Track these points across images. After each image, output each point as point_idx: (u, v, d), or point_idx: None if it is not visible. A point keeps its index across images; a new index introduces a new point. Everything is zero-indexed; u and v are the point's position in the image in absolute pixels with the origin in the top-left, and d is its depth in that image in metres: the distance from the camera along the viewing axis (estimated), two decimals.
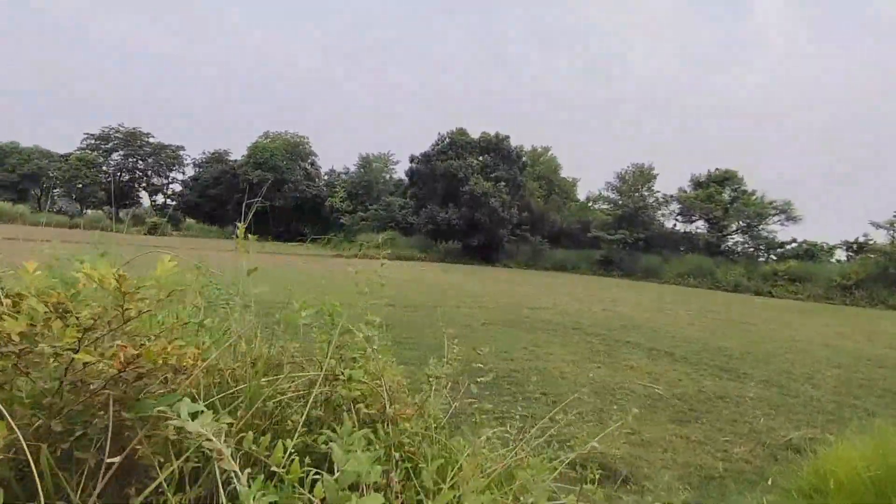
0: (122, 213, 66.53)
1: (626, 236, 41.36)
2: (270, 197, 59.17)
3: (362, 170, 64.25)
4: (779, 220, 40.75)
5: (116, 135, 64.99)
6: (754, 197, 42.27)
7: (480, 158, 41.77)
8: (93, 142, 64.96)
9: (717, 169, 44.85)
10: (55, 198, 66.82)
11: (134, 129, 65.67)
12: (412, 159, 44.88)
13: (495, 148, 42.93)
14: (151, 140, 66.60)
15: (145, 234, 46.21)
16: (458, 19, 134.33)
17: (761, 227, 41.07)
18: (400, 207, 50.08)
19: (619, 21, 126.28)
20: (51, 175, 61.95)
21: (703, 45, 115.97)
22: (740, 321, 15.62)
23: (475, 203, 39.54)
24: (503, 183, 40.53)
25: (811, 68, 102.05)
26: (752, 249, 41.51)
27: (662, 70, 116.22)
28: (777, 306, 23.64)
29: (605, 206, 48.20)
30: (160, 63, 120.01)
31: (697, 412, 5.95)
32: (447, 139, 43.50)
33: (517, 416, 5.10)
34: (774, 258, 39.53)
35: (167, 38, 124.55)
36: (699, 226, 44.81)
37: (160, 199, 69.77)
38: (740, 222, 42.01)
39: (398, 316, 10.80)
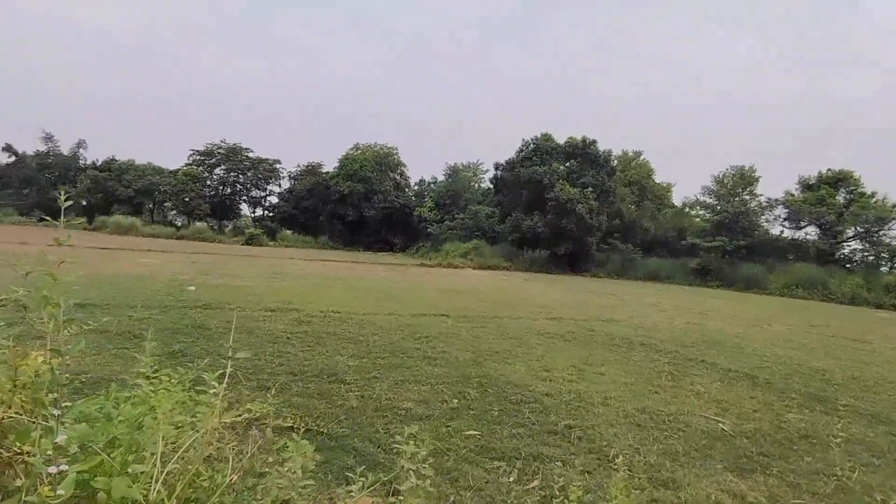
0: (224, 225, 70.27)
1: (724, 243, 38.49)
2: (361, 207, 60.18)
3: (450, 179, 64.09)
4: None
5: (219, 150, 68.25)
6: (874, 199, 38.21)
7: (566, 164, 40.21)
8: (198, 157, 68.53)
9: (829, 170, 41.01)
10: (165, 210, 71.41)
11: (234, 144, 68.69)
12: (497, 167, 43.93)
13: (582, 153, 41.20)
14: (250, 154, 69.41)
15: (242, 244, 48.73)
16: (539, 33, 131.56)
17: (883, 232, 36.91)
18: (486, 216, 49.18)
19: (707, 21, 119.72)
20: (162, 189, 65.48)
21: (807, 41, 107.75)
22: (850, 338, 13.58)
23: (561, 210, 38.00)
24: (590, 189, 38.73)
25: None
26: (871, 257, 37.49)
27: (760, 71, 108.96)
28: None
29: (702, 212, 45.27)
30: (254, 84, 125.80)
31: (768, 457, 4.65)
32: (532, 145, 42.21)
33: (521, 457, 4.10)
34: None
35: (254, 62, 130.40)
36: (809, 232, 41.01)
37: (259, 210, 72.68)
38: (857, 227, 37.95)
39: (445, 328, 9.90)
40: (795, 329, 14.72)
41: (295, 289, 14.52)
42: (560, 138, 42.54)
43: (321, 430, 4.42)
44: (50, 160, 69.30)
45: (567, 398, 5.82)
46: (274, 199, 71.00)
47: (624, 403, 5.81)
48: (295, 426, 4.41)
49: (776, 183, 73.16)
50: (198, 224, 59.68)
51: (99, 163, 69.91)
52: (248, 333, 7.91)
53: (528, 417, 5.11)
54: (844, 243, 39.03)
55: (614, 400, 5.91)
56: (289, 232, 60.42)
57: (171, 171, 67.77)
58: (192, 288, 12.98)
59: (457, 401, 5.46)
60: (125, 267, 17.03)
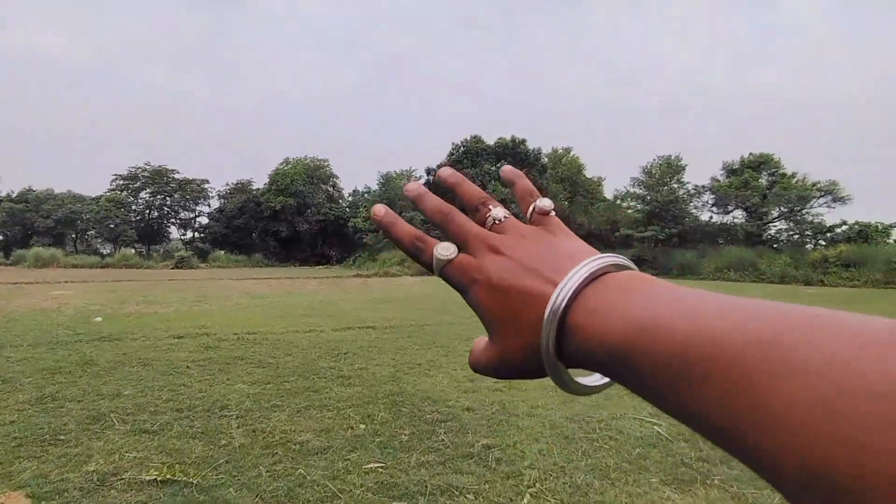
0: (153, 250, 67.54)
1: (657, 232, 39.08)
2: (294, 222, 58.79)
3: (383, 187, 63.37)
4: (825, 203, 37.83)
5: (143, 174, 65.80)
6: (794, 180, 39.50)
7: (497, 165, 40.09)
8: (121, 182, 65.93)
9: (750, 154, 42.21)
10: (89, 239, 68.14)
11: (160, 166, 66.22)
12: (428, 171, 43.51)
13: (512, 152, 41.27)
14: (177, 176, 67.09)
15: (172, 269, 46.72)
16: (475, 34, 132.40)
17: (805, 211, 38.20)
18: (422, 222, 48.45)
19: (642, 23, 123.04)
20: (84, 217, 62.52)
21: (729, 38, 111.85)
22: None
23: None
24: None
25: (845, 46, 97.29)
26: (796, 236, 38.69)
27: (685, 67, 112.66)
28: (830, 295, 21.32)
29: (633, 203, 45.93)
30: (180, 102, 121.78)
31: (709, 463, 4.14)
32: (462, 147, 42.05)
33: (427, 491, 3.49)
34: (823, 244, 36.67)
35: (183, 77, 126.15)
36: (736, 216, 42.13)
37: (189, 233, 70.24)
38: (781, 208, 39.18)
39: (367, 341, 9.23)
40: None
41: (213, 311, 13.57)
42: (490, 140, 42.50)
43: (191, 479, 3.69)
44: None
45: (490, 411, 5.25)
46: (204, 220, 68.82)
47: (552, 412, 5.27)
48: (160, 477, 3.68)
49: (701, 171, 75.48)
50: (124, 251, 56.93)
51: (14, 194, 66.12)
52: (142, 366, 7.07)
53: (443, 440, 4.50)
54: (770, 224, 40.16)
55: (542, 408, 5.37)
56: (221, 252, 58.36)
57: (93, 198, 64.80)
58: (99, 319, 11.95)
59: (364, 426, 4.81)
60: (33, 302, 15.64)
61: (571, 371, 0.42)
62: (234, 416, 5.02)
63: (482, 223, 0.54)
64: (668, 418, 4.26)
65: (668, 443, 4.57)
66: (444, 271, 0.50)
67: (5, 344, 8.57)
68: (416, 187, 0.61)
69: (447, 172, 0.63)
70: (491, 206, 0.56)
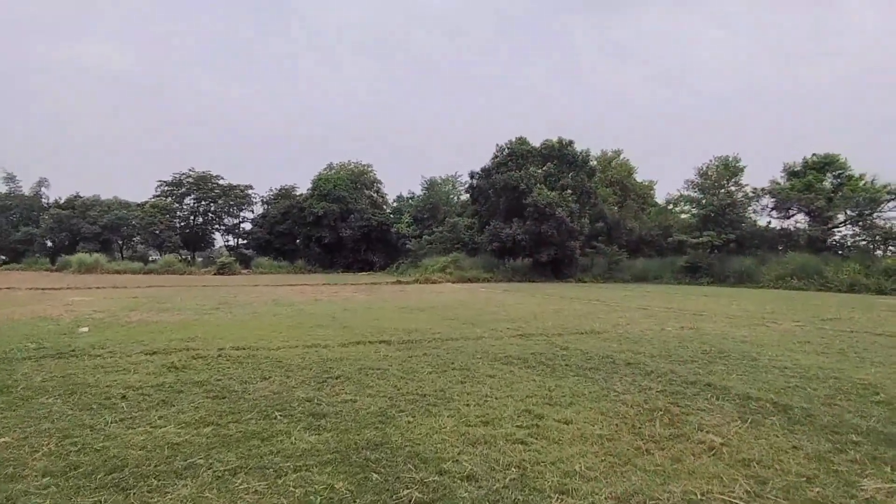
0: (198, 256, 67.80)
1: (712, 238, 36.50)
2: (337, 228, 57.96)
3: (427, 193, 62.10)
4: None
5: (188, 180, 66.18)
6: (863, 182, 36.37)
7: (544, 168, 38.10)
8: (166, 188, 66.38)
9: (813, 155, 39.18)
10: (135, 245, 68.84)
11: (204, 172, 66.46)
12: (472, 175, 41.80)
13: (558, 155, 39.13)
14: (221, 182, 67.22)
15: (214, 274, 46.27)
16: (521, 41, 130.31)
17: (876, 215, 35.02)
18: (465, 228, 46.98)
19: (691, 22, 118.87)
20: (131, 223, 63.14)
21: (783, 35, 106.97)
22: (874, 332, 11.40)
23: (540, 215, 35.84)
24: (570, 191, 36.58)
25: None
26: (864, 242, 35.56)
27: (737, 67, 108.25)
28: None
29: (686, 207, 43.32)
30: (224, 109, 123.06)
31: None
32: (506, 150, 40.14)
33: None
34: (894, 250, 33.61)
35: (227, 85, 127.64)
36: (798, 220, 39.14)
37: (233, 239, 70.27)
38: (848, 211, 36.06)
39: (373, 361, 7.62)
40: (806, 326, 12.54)
41: (218, 322, 12.22)
42: (537, 143, 40.55)
43: None
44: (10, 201, 66.53)
45: (501, 483, 3.54)
46: (248, 226, 68.72)
47: (595, 486, 3.54)
48: None
49: (760, 173, 71.86)
50: (167, 257, 57.03)
51: (62, 201, 67.29)
52: (66, 395, 5.61)
53: None
54: (835, 229, 37.13)
55: (580, 479, 3.62)
56: (265, 259, 57.87)
57: (138, 205, 65.36)
58: (85, 329, 10.75)
59: None
60: (41, 308, 14.67)
61: None
62: (117, 488, 3.45)
63: None
64: (776, 493, 2.50)
65: None
66: None
67: None
68: None
69: None
70: None
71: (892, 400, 5.78)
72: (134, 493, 3.37)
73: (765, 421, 5.02)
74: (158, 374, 6.63)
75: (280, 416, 4.97)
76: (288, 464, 3.83)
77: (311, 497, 3.31)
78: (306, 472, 3.69)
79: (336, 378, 6.48)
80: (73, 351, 8.16)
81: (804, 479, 3.70)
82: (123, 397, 5.56)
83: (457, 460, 3.91)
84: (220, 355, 7.87)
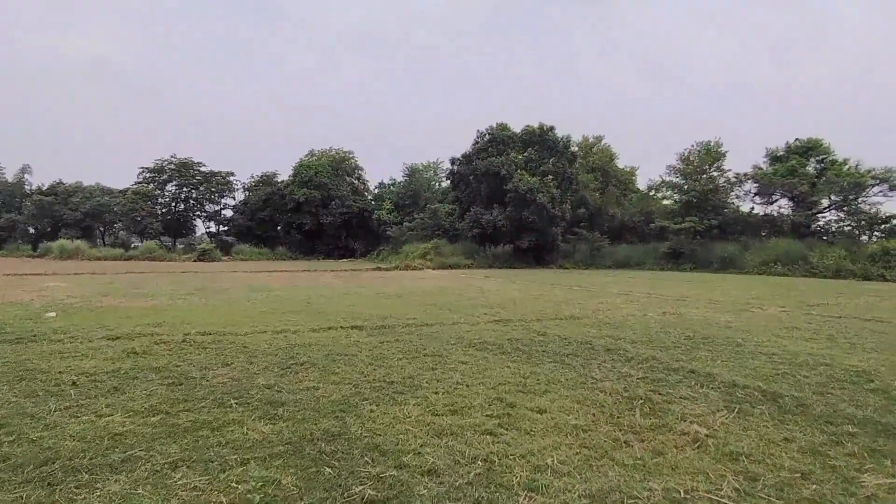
0: (179, 242, 66.85)
1: (695, 224, 36.43)
2: (318, 214, 57.41)
3: (408, 179, 61.66)
4: (881, 192, 34.50)
5: (169, 166, 65.06)
6: (847, 167, 36.38)
7: (524, 154, 37.76)
8: (148, 174, 65.28)
9: (797, 140, 39.15)
10: (117, 231, 67.88)
11: (185, 159, 65.38)
12: (453, 161, 41.41)
13: (539, 140, 38.81)
14: (202, 169, 66.17)
15: (194, 261, 45.62)
16: (508, 36, 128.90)
17: (860, 200, 35.09)
18: (447, 214, 46.63)
19: (676, 14, 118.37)
20: (114, 210, 62.17)
21: (768, 30, 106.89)
22: (862, 318, 11.27)
23: (521, 201, 35.56)
24: (551, 177, 36.32)
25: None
26: (850, 227, 35.65)
27: (723, 59, 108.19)
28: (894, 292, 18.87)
29: (668, 193, 43.23)
30: (209, 98, 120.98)
31: None
32: (487, 136, 39.76)
33: None
34: (881, 235, 33.69)
35: (211, 74, 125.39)
36: (782, 205, 39.19)
37: (214, 226, 69.39)
38: (833, 196, 36.08)
39: (342, 346, 7.30)
40: (792, 311, 12.39)
41: (190, 307, 11.84)
42: (517, 128, 40.22)
43: None
44: None
45: (466, 478, 3.25)
46: (229, 213, 67.88)
47: (568, 482, 3.26)
48: None
49: (743, 159, 72.07)
50: (147, 243, 56.23)
51: (45, 187, 66.10)
52: (15, 382, 5.27)
53: None
54: (820, 214, 37.21)
55: (551, 474, 3.33)
56: (245, 246, 57.16)
57: (120, 191, 64.37)
58: (53, 314, 10.36)
59: None
60: (14, 294, 14.19)
61: None
62: (44, 484, 3.13)
63: None
64: (768, 490, 2.25)
65: None
66: None
67: None
68: None
69: None
70: None
71: (887, 388, 5.55)
72: (60, 490, 3.05)
73: (753, 410, 4.76)
74: (116, 360, 6.28)
75: (236, 403, 4.65)
76: (235, 456, 3.53)
77: (252, 495, 3.00)
78: (254, 465, 3.39)
79: (301, 364, 6.17)
80: (33, 336, 7.80)
81: (798, 474, 3.42)
82: (74, 384, 5.22)
83: (419, 452, 3.62)
84: (184, 340, 7.52)
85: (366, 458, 3.52)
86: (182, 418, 4.26)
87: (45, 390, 5.02)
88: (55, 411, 4.41)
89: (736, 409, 4.77)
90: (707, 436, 4.07)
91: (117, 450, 3.63)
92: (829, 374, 6.15)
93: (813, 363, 6.67)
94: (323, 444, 3.74)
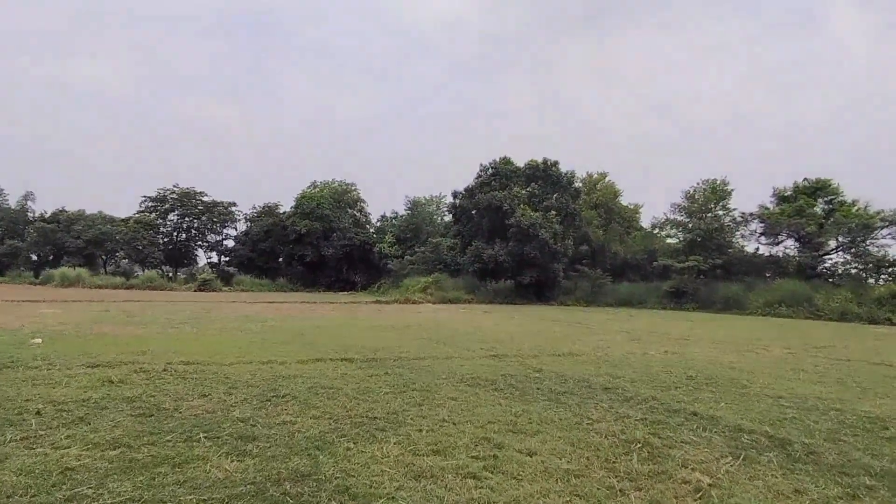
0: (180, 272, 66.67)
1: (698, 263, 36.02)
2: (319, 246, 57.33)
3: (410, 212, 61.75)
4: (889, 234, 33.91)
5: (171, 196, 65.21)
6: (856, 208, 36.07)
7: (528, 188, 37.67)
8: (150, 204, 65.48)
9: (805, 179, 38.94)
10: (118, 260, 67.84)
11: (188, 188, 65.66)
12: (455, 195, 41.36)
13: (543, 175, 38.78)
14: (205, 198, 66.38)
15: (194, 291, 45.37)
16: (511, 69, 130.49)
17: (868, 242, 34.58)
18: (448, 248, 46.42)
19: (677, 52, 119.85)
20: (116, 239, 62.21)
21: (772, 64, 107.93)
22: (871, 362, 10.91)
23: (523, 236, 35.32)
24: (554, 212, 36.14)
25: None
26: (857, 269, 35.15)
27: (724, 95, 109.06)
28: None
29: (673, 231, 42.97)
30: (212, 127, 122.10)
31: None
32: (490, 169, 39.79)
33: None
34: (888, 278, 33.24)
35: (213, 103, 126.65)
36: (788, 246, 38.66)
37: (216, 256, 69.31)
38: (840, 238, 35.58)
39: (328, 379, 7.00)
40: (798, 353, 12.05)
41: (180, 336, 11.59)
42: (520, 162, 40.28)
43: None
44: None
45: None
46: (231, 244, 67.87)
47: None
48: None
49: (749, 198, 72.04)
50: (149, 272, 56.16)
51: (48, 214, 66.34)
52: None
53: None
54: (826, 256, 36.78)
55: None
56: (246, 276, 57.02)
57: (122, 220, 64.48)
58: (38, 341, 10.14)
59: None
60: (6, 320, 13.96)
61: None
62: None
63: None
64: None
65: None
66: None
67: None
68: None
69: None
70: None
71: None
72: None
73: (760, 458, 4.43)
74: (89, 389, 5.99)
75: (205, 437, 4.35)
76: (192, 497, 3.22)
77: None
78: None
79: (282, 397, 5.87)
80: (11, 362, 7.54)
81: None
82: (38, 413, 4.93)
83: (392, 497, 3.31)
84: (164, 370, 7.23)
85: (333, 503, 3.21)
86: (143, 452, 3.96)
87: (4, 419, 4.73)
88: (9, 442, 4.12)
89: (741, 456, 4.44)
90: (710, 485, 3.74)
91: (64, 486, 3.33)
92: (840, 419, 5.81)
93: (823, 407, 6.34)
94: (289, 486, 3.43)
